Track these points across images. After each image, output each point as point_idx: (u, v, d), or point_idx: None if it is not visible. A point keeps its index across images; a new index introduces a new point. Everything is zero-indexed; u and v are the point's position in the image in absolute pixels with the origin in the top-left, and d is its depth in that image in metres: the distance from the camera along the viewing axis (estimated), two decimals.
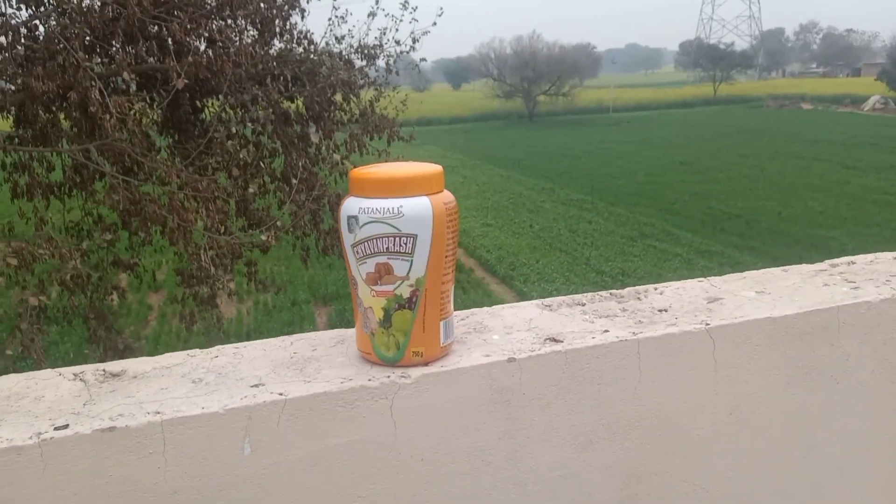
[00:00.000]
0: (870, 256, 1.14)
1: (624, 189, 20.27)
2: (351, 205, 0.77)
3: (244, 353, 0.85)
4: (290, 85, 6.45)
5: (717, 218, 17.05)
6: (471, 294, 12.47)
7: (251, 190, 6.03)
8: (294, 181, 6.15)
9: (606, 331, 0.87)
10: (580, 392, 0.84)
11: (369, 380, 0.77)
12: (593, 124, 35.96)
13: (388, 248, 0.76)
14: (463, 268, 14.10)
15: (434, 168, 0.78)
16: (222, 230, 5.34)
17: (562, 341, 0.85)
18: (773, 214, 16.97)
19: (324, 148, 6.99)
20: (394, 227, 0.75)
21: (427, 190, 0.77)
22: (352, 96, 7.01)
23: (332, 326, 10.65)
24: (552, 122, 37.35)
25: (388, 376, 0.77)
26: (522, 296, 12.47)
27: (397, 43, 7.56)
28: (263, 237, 5.57)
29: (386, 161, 7.37)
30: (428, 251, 0.76)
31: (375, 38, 7.35)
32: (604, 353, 0.84)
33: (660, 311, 0.95)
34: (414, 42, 7.66)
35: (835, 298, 0.95)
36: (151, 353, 1.43)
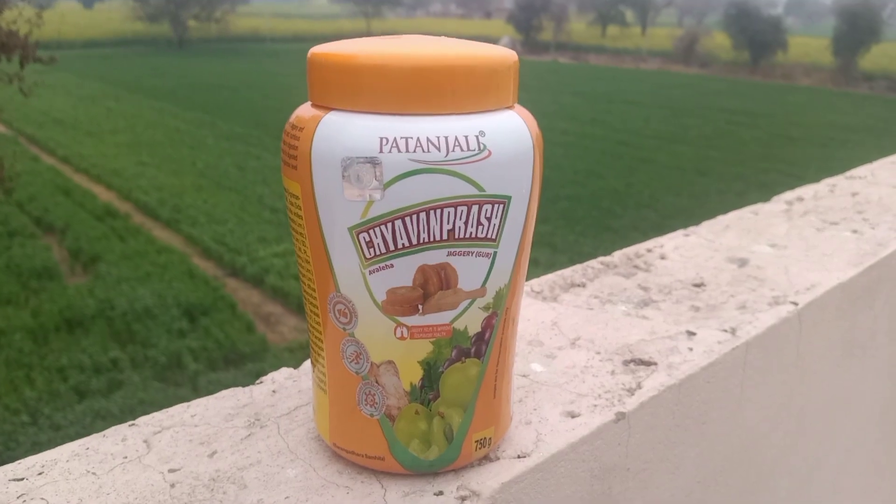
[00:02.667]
0: (809, 190, 0.98)
1: None
2: (350, 129, 0.32)
3: (55, 477, 0.35)
4: None
5: None
6: (131, 243, 11.11)
7: None
8: None
9: (692, 333, 0.55)
10: (685, 442, 0.51)
11: None
12: (250, 54, 34.16)
13: (453, 233, 0.33)
14: (118, 213, 12.50)
15: (510, 52, 0.36)
16: None
17: (655, 363, 0.50)
18: None
19: None
20: (472, 182, 0.32)
21: (511, 98, 0.35)
22: None
23: None
24: (205, 50, 34.61)
25: None
26: (192, 240, 11.49)
27: None
28: None
29: (23, 88, 5.97)
30: (521, 230, 0.35)
31: None
32: (713, 375, 0.52)
33: (696, 286, 0.65)
34: None
35: (863, 249, 0.74)
36: None
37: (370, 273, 0.33)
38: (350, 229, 0.33)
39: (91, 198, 13.03)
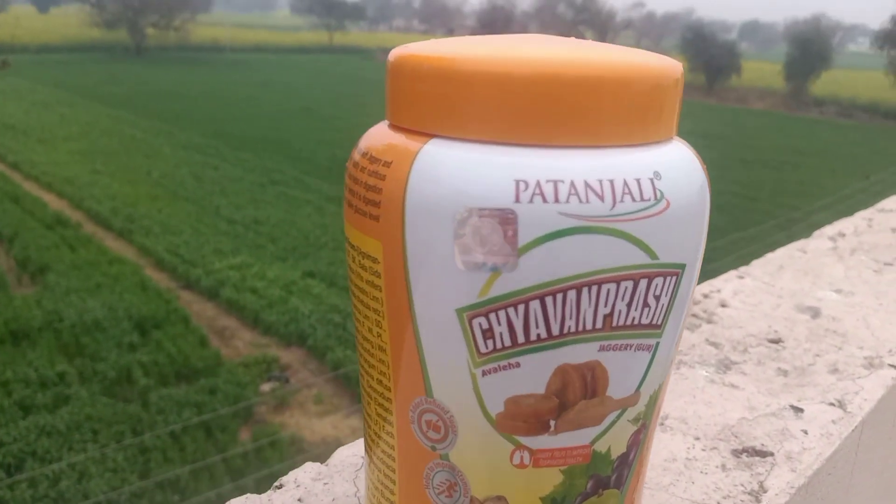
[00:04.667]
0: (848, 225, 0.90)
1: (249, 134, 19.38)
2: (468, 167, 0.21)
3: None
4: None
5: (342, 165, 17.29)
6: (81, 253, 10.76)
7: None
8: None
9: (798, 409, 0.45)
10: None
11: None
12: (209, 63, 33.67)
13: (611, 320, 0.22)
14: (69, 222, 12.11)
15: (674, 62, 0.25)
16: None
17: (771, 454, 0.40)
18: None
19: None
20: (644, 246, 0.22)
21: (675, 124, 0.25)
22: None
23: None
24: (164, 59, 33.96)
25: None
26: (145, 251, 11.19)
27: None
28: None
29: None
30: (685, 310, 0.25)
31: None
32: (834, 466, 0.42)
33: (773, 342, 0.55)
34: None
35: None
36: None
37: (483, 374, 0.23)
38: (460, 312, 0.22)
39: (41, 206, 12.59)
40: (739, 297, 0.64)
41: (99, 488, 5.72)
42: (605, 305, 0.22)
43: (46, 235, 11.22)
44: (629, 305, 0.22)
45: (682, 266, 0.23)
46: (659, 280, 0.23)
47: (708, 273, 0.72)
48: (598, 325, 0.22)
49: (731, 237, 11.59)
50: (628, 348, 0.23)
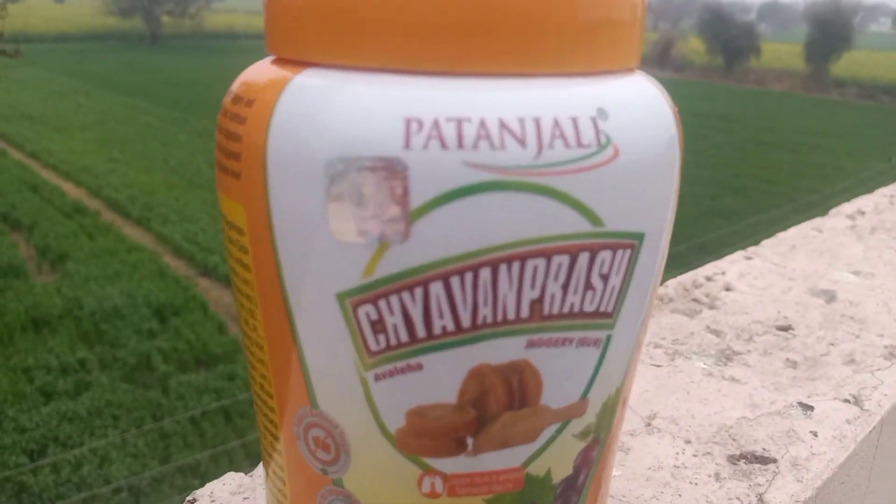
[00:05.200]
0: (868, 203, 0.83)
1: None
2: (345, 102, 0.16)
3: None
4: None
5: None
6: (100, 241, 10.84)
7: None
8: None
9: (808, 407, 0.39)
10: None
11: None
12: (225, 51, 33.64)
13: (541, 307, 0.17)
14: (87, 210, 12.20)
15: None
16: None
17: (774, 460, 0.35)
18: None
19: None
20: (584, 208, 0.17)
21: (637, 53, 0.19)
22: None
23: None
24: (179, 47, 34.00)
25: None
26: (163, 238, 11.26)
27: None
28: None
29: None
30: (650, 292, 0.20)
31: None
32: (847, 473, 0.37)
33: (782, 329, 0.50)
34: None
35: None
36: None
37: (376, 379, 0.17)
38: (341, 297, 0.17)
39: (60, 194, 12.67)
40: (746, 280, 0.58)
41: (120, 473, 5.77)
42: (532, 288, 0.17)
43: (65, 224, 11.33)
44: (565, 288, 0.17)
45: (640, 236, 0.18)
46: (606, 254, 0.17)
47: (721, 258, 0.66)
48: (524, 313, 0.17)
49: (749, 221, 11.44)
50: (567, 343, 0.18)
